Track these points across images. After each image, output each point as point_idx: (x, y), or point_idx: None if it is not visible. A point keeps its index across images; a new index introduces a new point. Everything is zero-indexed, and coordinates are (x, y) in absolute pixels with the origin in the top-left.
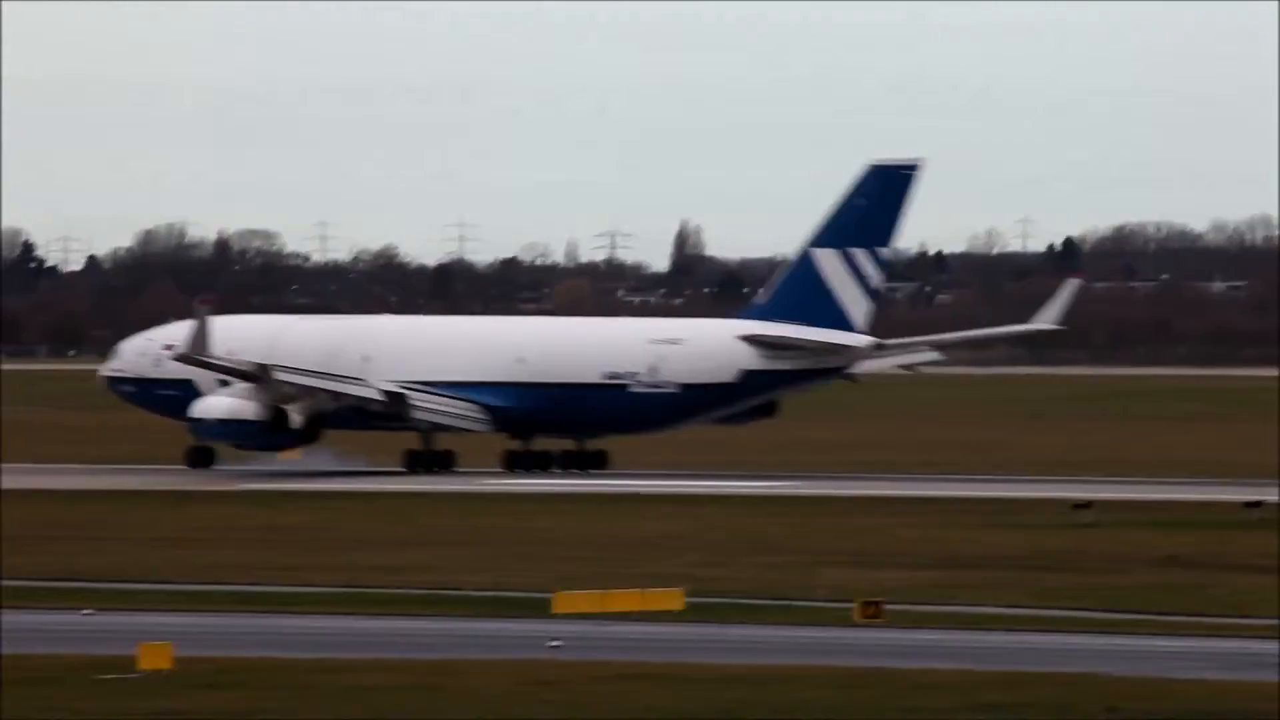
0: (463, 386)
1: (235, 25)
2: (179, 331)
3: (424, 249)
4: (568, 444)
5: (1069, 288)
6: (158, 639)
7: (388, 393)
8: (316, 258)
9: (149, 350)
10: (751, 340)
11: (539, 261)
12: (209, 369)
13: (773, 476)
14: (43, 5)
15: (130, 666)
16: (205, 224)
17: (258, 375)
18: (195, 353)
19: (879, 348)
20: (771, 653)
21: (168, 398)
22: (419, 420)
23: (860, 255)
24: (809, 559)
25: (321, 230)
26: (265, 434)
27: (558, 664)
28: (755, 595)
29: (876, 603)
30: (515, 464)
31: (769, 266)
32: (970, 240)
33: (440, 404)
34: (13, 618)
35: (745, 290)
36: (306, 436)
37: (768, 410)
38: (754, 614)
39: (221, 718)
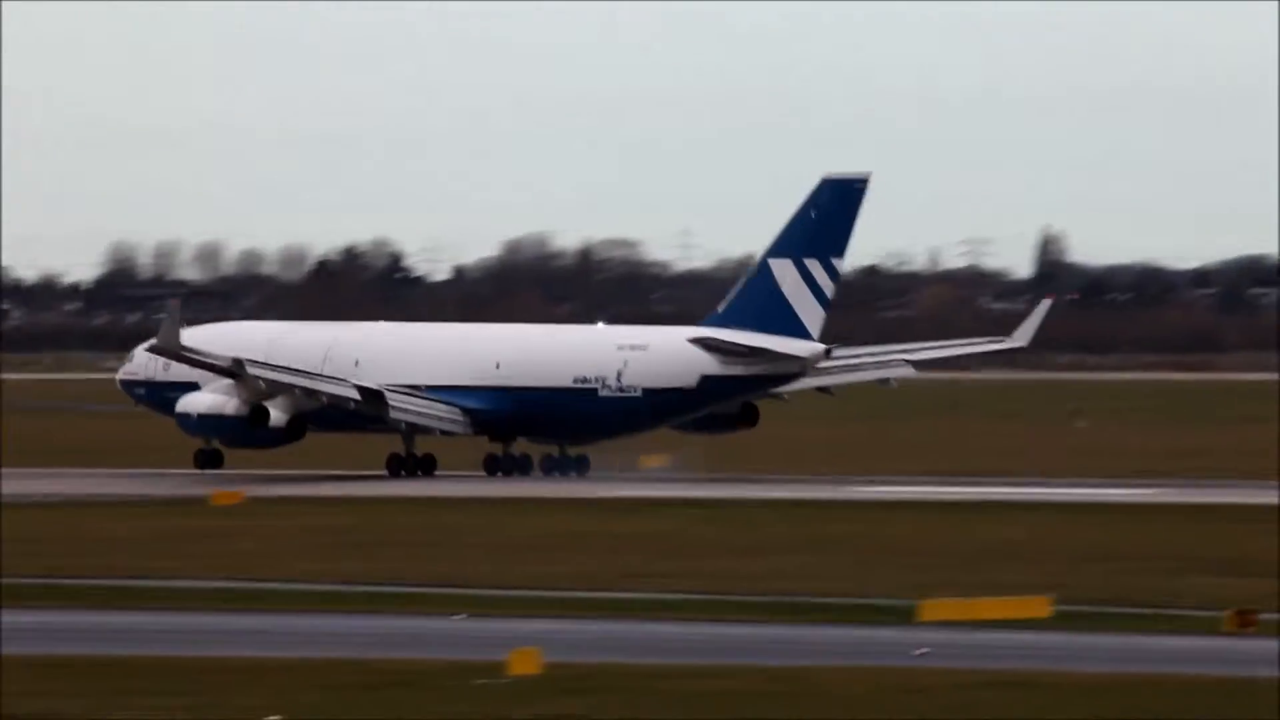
0: (444, 390)
1: (627, 34)
2: (190, 336)
3: None
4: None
5: (1041, 307)
6: (528, 644)
7: (363, 390)
8: (679, 265)
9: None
10: (701, 344)
11: (900, 268)
12: (181, 361)
13: (1108, 484)
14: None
15: (501, 672)
16: (570, 233)
17: (232, 371)
18: (166, 345)
19: (829, 355)
20: (1139, 661)
21: (176, 400)
22: (397, 420)
23: (814, 265)
24: (1174, 566)
25: (684, 238)
26: (245, 430)
27: (922, 671)
28: (1120, 603)
29: (1250, 611)
30: (495, 467)
31: (1135, 273)
32: None
33: (417, 404)
34: (389, 622)
35: (1110, 297)
36: (289, 435)
37: (750, 419)
38: (1120, 622)
39: None
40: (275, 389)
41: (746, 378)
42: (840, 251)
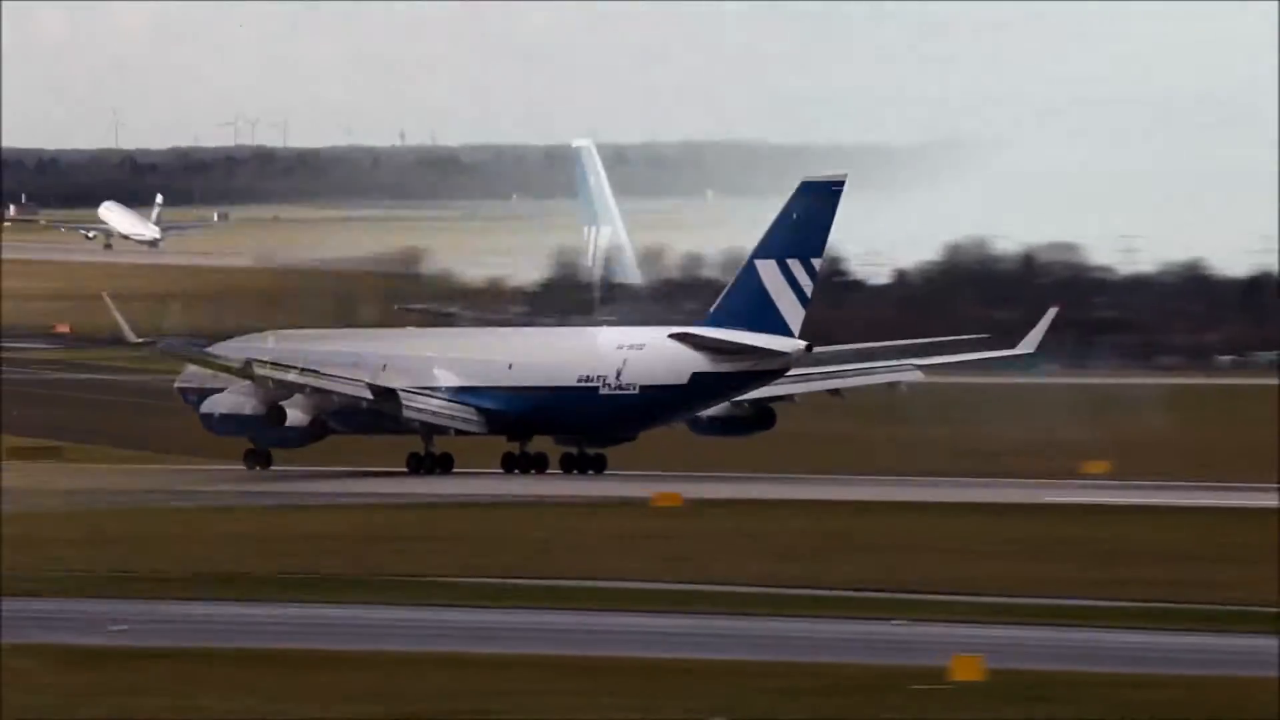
0: (462, 391)
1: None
2: (239, 346)
3: (1235, 260)
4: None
5: (1048, 316)
6: (970, 651)
7: (376, 390)
8: (1122, 270)
9: None
10: (683, 340)
11: None
12: (194, 363)
13: None
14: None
15: (941, 677)
16: (1011, 237)
17: (243, 371)
18: (166, 347)
19: (809, 351)
20: None
21: None
22: (410, 419)
23: (795, 265)
24: None
25: (1126, 242)
26: (264, 430)
27: None
28: None
29: None
30: (512, 466)
31: None
32: None
33: (431, 404)
34: (829, 625)
35: None
36: (310, 435)
37: (767, 422)
38: None
39: None
40: (285, 389)
41: (734, 374)
42: (819, 251)
